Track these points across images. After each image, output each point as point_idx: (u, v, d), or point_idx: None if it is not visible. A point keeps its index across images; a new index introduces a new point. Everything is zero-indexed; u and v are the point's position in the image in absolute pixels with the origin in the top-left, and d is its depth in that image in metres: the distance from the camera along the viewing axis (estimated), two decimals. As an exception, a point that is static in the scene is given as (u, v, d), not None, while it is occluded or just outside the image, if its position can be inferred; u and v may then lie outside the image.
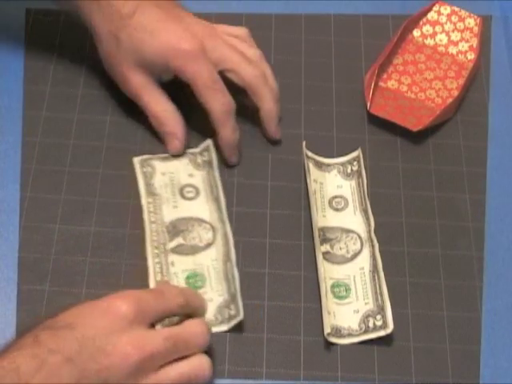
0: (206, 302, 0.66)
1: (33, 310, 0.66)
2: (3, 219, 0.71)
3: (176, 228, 0.71)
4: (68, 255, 0.69)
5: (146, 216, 0.71)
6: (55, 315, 0.58)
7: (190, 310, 0.64)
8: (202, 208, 0.72)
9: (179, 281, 0.68)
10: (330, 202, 0.73)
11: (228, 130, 0.73)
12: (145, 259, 0.69)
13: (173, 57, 0.71)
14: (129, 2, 0.72)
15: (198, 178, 0.74)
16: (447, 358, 0.66)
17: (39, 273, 0.68)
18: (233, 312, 0.66)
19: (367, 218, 0.72)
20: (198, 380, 0.60)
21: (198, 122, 0.75)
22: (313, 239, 0.71)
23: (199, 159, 0.74)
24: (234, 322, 0.65)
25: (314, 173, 0.74)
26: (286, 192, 0.74)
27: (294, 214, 0.73)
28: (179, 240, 0.70)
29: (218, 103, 0.72)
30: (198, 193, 0.73)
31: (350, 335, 0.67)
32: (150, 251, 0.69)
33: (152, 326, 0.60)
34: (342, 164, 0.75)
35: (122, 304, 0.58)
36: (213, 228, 0.71)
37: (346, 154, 0.76)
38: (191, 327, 0.61)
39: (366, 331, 0.66)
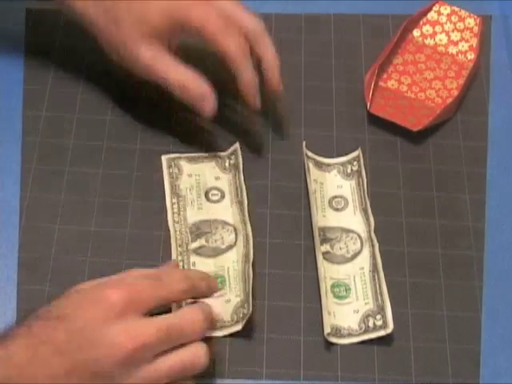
0: (215, 283, 0.64)
1: (33, 310, 0.66)
2: (3, 219, 0.71)
3: (199, 229, 0.71)
4: (68, 255, 0.69)
5: (170, 216, 0.71)
6: (48, 304, 0.58)
7: (197, 295, 0.62)
8: (226, 211, 0.72)
9: None
10: (329, 202, 0.73)
11: (248, 71, 0.70)
12: (145, 259, 0.69)
13: (175, 9, 0.68)
14: None
15: (224, 181, 0.74)
16: (447, 358, 0.66)
17: (39, 273, 0.68)
18: (246, 311, 0.66)
19: (367, 218, 0.72)
20: (194, 368, 0.59)
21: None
22: (313, 239, 0.71)
23: (227, 162, 0.74)
24: (245, 319, 0.65)
25: (314, 173, 0.74)
26: (285, 192, 0.74)
27: (294, 213, 0.73)
28: (201, 242, 0.70)
29: (234, 45, 0.69)
30: (223, 196, 0.73)
31: (349, 335, 0.67)
32: (174, 247, 0.69)
33: (150, 314, 0.58)
34: (342, 164, 0.75)
35: (112, 293, 0.56)
36: (235, 230, 0.71)
37: (346, 154, 0.76)
38: (187, 315, 0.59)
39: (366, 331, 0.66)
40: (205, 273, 0.65)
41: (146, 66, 0.70)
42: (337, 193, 0.74)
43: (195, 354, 0.59)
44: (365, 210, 0.72)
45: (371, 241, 0.70)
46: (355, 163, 0.75)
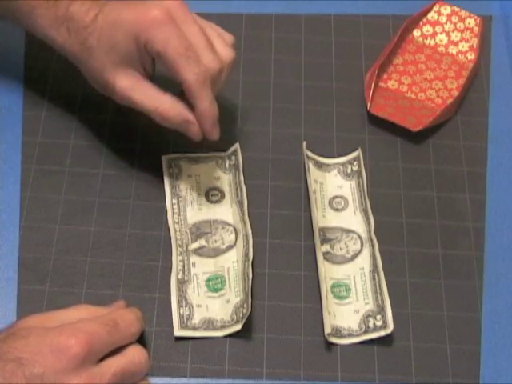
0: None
1: (33, 310, 0.66)
2: (3, 219, 0.71)
3: (199, 230, 0.71)
4: (68, 255, 0.69)
5: (170, 217, 0.71)
6: (5, 337, 0.57)
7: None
8: (226, 211, 0.72)
9: (199, 282, 0.68)
10: (330, 202, 0.73)
11: (205, 102, 0.67)
12: (145, 259, 0.69)
13: (139, 30, 0.66)
14: (91, 9, 0.69)
15: (225, 181, 0.74)
16: (447, 358, 0.66)
17: (39, 273, 0.68)
18: (245, 310, 0.66)
19: (367, 218, 0.72)
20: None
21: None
22: (313, 239, 0.71)
23: (227, 163, 0.74)
24: (245, 319, 0.65)
25: (314, 173, 0.74)
26: (285, 192, 0.74)
27: (294, 213, 0.73)
28: (202, 242, 0.70)
29: (192, 73, 0.66)
30: (222, 196, 0.73)
31: (350, 335, 0.67)
32: (174, 247, 0.69)
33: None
34: (342, 164, 0.75)
35: (73, 344, 0.56)
36: (235, 230, 0.71)
37: (346, 154, 0.76)
38: (134, 357, 0.60)
39: (366, 331, 0.66)
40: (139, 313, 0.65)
41: (124, 97, 0.69)
42: (337, 193, 0.74)
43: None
44: (365, 211, 0.72)
45: (371, 241, 0.70)
46: (355, 163, 0.75)
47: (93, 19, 0.68)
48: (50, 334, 0.57)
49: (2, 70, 0.79)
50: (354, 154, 0.76)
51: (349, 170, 0.75)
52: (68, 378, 0.56)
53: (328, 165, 0.75)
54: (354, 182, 0.74)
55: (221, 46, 0.70)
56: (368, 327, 0.66)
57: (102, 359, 0.58)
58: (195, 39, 0.67)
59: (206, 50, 0.68)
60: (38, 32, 0.72)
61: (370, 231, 0.71)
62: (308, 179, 0.73)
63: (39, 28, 0.71)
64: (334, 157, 0.76)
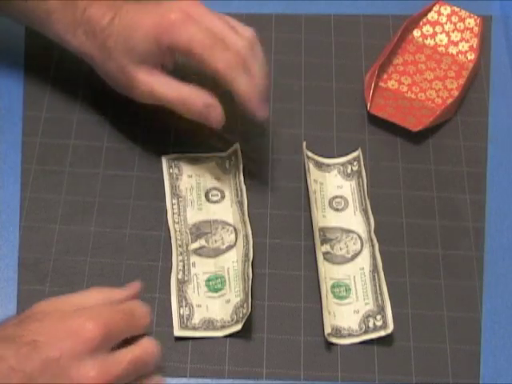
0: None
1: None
2: (3, 219, 0.71)
3: (199, 230, 0.71)
4: (68, 255, 0.69)
5: (170, 217, 0.71)
6: (19, 321, 0.56)
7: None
8: (227, 211, 0.72)
9: (199, 282, 0.68)
10: (330, 202, 0.73)
11: (242, 82, 0.68)
12: (145, 259, 0.69)
13: (160, 32, 0.68)
14: (108, 11, 0.70)
15: (225, 181, 0.74)
16: (447, 358, 0.66)
17: (39, 273, 0.68)
18: (245, 310, 0.66)
19: (367, 218, 0.72)
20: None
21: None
22: (313, 239, 0.71)
23: (227, 163, 0.74)
24: (245, 319, 0.65)
25: (314, 173, 0.74)
26: (286, 192, 0.74)
27: (294, 213, 0.73)
28: (202, 242, 0.70)
29: (221, 61, 0.67)
30: (223, 196, 0.73)
31: (350, 335, 0.66)
32: (174, 247, 0.69)
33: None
34: (342, 164, 0.75)
35: (90, 328, 0.56)
36: (235, 230, 0.71)
37: (346, 154, 0.76)
38: (148, 348, 0.59)
39: (366, 331, 0.66)
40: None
41: (145, 92, 0.70)
42: (337, 193, 0.74)
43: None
44: (365, 211, 0.72)
45: (371, 241, 0.70)
46: (355, 163, 0.75)
47: (109, 22, 0.70)
48: (67, 317, 0.56)
49: (2, 70, 0.79)
50: (354, 154, 0.76)
51: (349, 170, 0.75)
52: (83, 363, 0.55)
53: (328, 165, 0.75)
54: (353, 182, 0.74)
55: (239, 27, 0.71)
56: (368, 327, 0.66)
57: (113, 350, 0.57)
58: (217, 27, 0.69)
59: (230, 33, 0.69)
60: (53, 35, 0.73)
61: (370, 231, 0.71)
62: (308, 179, 0.73)
63: (55, 31, 0.72)
64: (333, 157, 0.76)
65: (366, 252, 0.70)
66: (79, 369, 0.55)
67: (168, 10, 0.69)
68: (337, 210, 0.73)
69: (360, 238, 0.71)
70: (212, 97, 0.70)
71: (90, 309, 0.58)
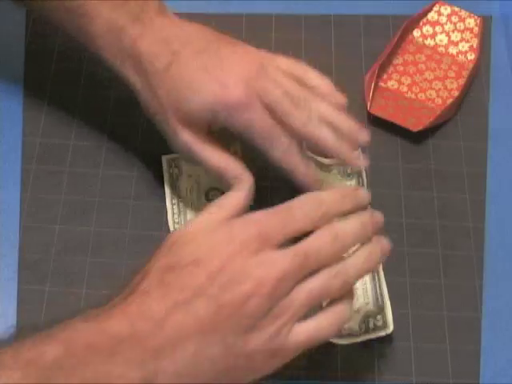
0: (362, 195, 0.61)
1: (33, 309, 0.66)
2: (4, 219, 0.71)
3: None
4: (68, 255, 0.69)
5: (170, 217, 0.71)
6: (167, 249, 0.55)
7: (337, 216, 0.58)
8: None
9: None
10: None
11: (300, 168, 0.66)
12: (145, 260, 0.69)
13: (219, 110, 0.64)
14: (163, 54, 0.65)
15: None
16: (447, 358, 0.66)
17: (39, 273, 0.68)
18: None
19: None
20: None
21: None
22: None
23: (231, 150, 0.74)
24: None
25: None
26: (286, 192, 0.74)
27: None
28: None
29: (278, 151, 0.64)
30: None
31: (350, 335, 0.66)
32: None
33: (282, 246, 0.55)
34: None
35: (242, 231, 0.55)
36: None
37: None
38: (322, 237, 0.56)
39: (367, 331, 0.66)
40: (343, 189, 0.64)
41: (183, 148, 0.67)
42: None
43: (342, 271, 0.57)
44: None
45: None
46: None
47: (165, 68, 0.65)
48: (218, 231, 0.56)
49: (2, 71, 0.79)
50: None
51: (349, 170, 0.75)
52: (247, 263, 0.53)
53: (328, 165, 0.75)
54: (354, 182, 0.74)
55: (313, 76, 0.68)
56: (368, 327, 0.66)
57: None
58: (278, 107, 0.64)
59: (292, 112, 0.64)
60: (101, 59, 0.69)
61: None
62: None
63: (103, 58, 0.69)
64: (334, 157, 0.76)
65: (366, 252, 0.70)
66: (245, 272, 0.53)
67: (232, 82, 0.64)
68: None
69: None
70: (244, 172, 0.67)
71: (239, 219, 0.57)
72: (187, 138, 0.66)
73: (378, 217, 0.61)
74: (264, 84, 0.64)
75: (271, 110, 0.64)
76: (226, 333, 0.52)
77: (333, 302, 0.58)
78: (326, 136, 0.65)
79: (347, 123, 0.66)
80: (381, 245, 0.60)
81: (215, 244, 0.55)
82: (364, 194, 0.62)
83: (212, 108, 0.64)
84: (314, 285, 0.55)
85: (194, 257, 0.54)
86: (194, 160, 0.68)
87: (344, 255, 0.58)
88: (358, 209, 0.60)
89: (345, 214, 0.59)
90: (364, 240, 0.59)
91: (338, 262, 0.56)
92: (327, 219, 0.57)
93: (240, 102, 0.64)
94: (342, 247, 0.57)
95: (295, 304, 0.54)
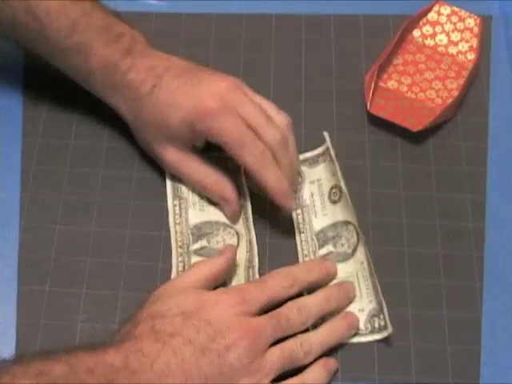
0: (332, 267, 0.69)
1: (33, 309, 0.66)
2: (3, 220, 0.71)
3: (201, 231, 0.71)
4: (68, 255, 0.69)
5: (171, 218, 0.71)
6: (157, 302, 0.62)
7: (305, 286, 0.66)
8: None
9: None
10: (329, 196, 0.73)
11: (269, 179, 0.68)
12: (145, 260, 0.69)
13: (196, 119, 0.68)
14: (147, 79, 0.70)
15: None
16: (447, 358, 0.66)
17: (39, 273, 0.68)
18: None
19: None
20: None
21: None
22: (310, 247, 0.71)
23: (229, 164, 0.74)
24: None
25: (309, 174, 0.74)
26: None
27: (295, 213, 0.73)
28: (203, 242, 0.70)
29: (251, 156, 0.67)
30: None
31: (356, 334, 0.66)
32: (174, 248, 0.69)
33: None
34: (323, 153, 0.74)
35: (228, 297, 0.62)
36: (237, 233, 0.70)
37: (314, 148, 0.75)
38: (293, 306, 0.64)
39: (372, 332, 0.66)
40: (310, 262, 0.70)
41: (170, 167, 0.72)
42: (332, 182, 0.73)
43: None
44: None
45: (360, 232, 0.70)
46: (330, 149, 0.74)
47: (149, 91, 0.69)
48: (205, 296, 0.63)
49: (1, 71, 0.79)
50: (327, 140, 0.75)
51: (333, 155, 0.73)
52: (232, 321, 0.61)
53: (313, 157, 0.74)
54: (338, 166, 0.73)
55: (276, 115, 0.70)
56: (374, 327, 0.66)
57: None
58: (252, 118, 0.68)
59: (264, 124, 0.68)
60: (92, 91, 0.73)
61: (358, 220, 0.70)
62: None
63: (94, 90, 0.73)
64: (334, 157, 0.75)
65: (361, 243, 0.69)
66: (230, 327, 0.60)
67: (208, 95, 0.67)
68: (334, 202, 0.72)
69: (355, 227, 0.70)
70: (232, 191, 0.71)
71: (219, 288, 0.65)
72: (171, 156, 0.71)
73: (348, 288, 0.68)
74: (240, 97, 0.68)
75: (246, 121, 0.67)
76: (207, 376, 0.59)
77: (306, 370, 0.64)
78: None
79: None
80: (346, 321, 0.66)
81: (203, 302, 0.62)
82: (330, 265, 0.69)
83: (190, 119, 0.68)
84: (283, 350, 0.62)
85: (184, 309, 0.61)
86: (181, 177, 0.72)
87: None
88: (326, 277, 0.68)
89: (313, 284, 0.67)
90: (329, 311, 0.66)
91: (305, 333, 0.64)
92: (298, 288, 0.65)
93: (215, 111, 0.67)
94: (307, 317, 0.64)
95: (269, 363, 0.61)
